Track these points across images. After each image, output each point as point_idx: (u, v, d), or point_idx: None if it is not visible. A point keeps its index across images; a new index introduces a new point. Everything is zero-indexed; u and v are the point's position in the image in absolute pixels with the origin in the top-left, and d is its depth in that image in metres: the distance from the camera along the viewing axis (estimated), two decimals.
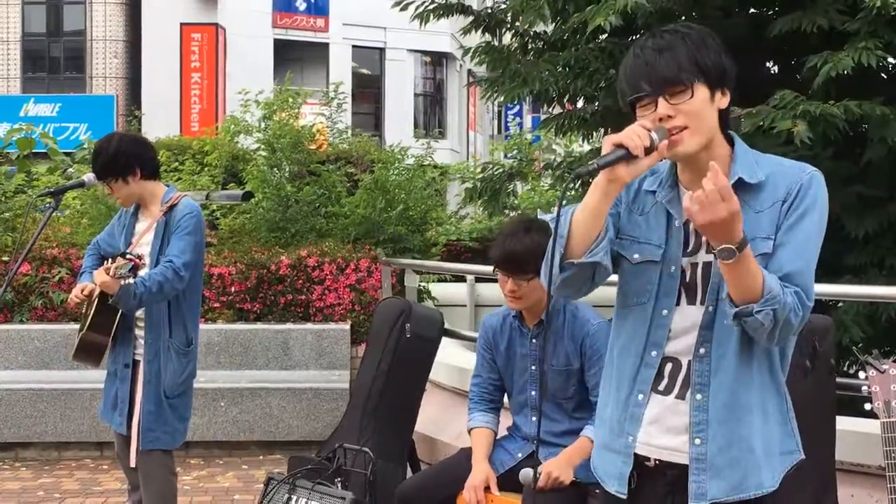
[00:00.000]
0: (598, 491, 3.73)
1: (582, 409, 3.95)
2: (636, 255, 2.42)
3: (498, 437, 4.19)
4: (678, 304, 2.38)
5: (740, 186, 2.29)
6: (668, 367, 2.40)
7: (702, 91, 2.29)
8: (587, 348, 3.89)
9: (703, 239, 2.32)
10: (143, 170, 4.43)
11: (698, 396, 2.33)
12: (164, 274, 4.21)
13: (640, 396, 2.41)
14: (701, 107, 2.29)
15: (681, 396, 2.37)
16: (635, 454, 2.42)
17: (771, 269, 2.25)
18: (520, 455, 4.04)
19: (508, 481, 3.93)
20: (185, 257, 4.29)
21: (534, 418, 4.03)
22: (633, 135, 2.22)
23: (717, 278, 2.30)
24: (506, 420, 4.27)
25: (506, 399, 4.26)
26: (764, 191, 2.31)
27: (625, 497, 2.42)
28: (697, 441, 2.33)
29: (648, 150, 2.25)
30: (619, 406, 2.45)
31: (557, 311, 3.97)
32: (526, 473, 3.82)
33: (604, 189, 2.27)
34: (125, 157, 4.37)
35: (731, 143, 2.40)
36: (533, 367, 4.00)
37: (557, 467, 3.78)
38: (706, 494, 2.32)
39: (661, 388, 2.40)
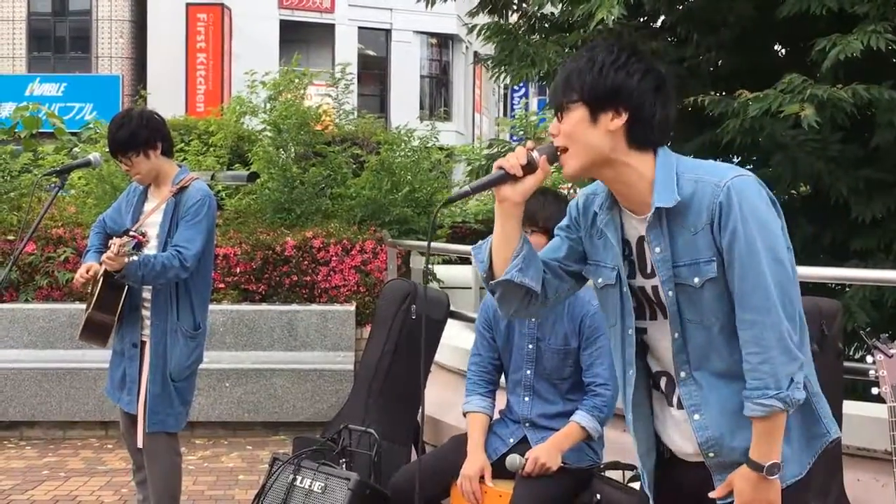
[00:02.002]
0: (603, 474, 3.75)
1: (576, 390, 3.94)
2: (600, 280, 2.47)
3: (492, 421, 4.17)
4: (654, 318, 2.40)
5: (666, 213, 2.29)
6: (664, 380, 2.44)
7: (577, 113, 2.32)
8: (586, 327, 3.90)
9: (637, 264, 2.38)
10: (164, 145, 4.42)
11: (696, 417, 2.35)
12: (171, 261, 4.18)
13: (630, 416, 2.48)
14: (575, 129, 2.32)
15: (681, 407, 2.41)
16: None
17: (738, 312, 2.26)
18: (511, 441, 4.02)
19: (502, 468, 3.92)
20: (194, 248, 4.25)
21: (527, 398, 4.02)
22: (512, 156, 2.33)
23: (674, 306, 2.32)
24: (501, 402, 4.25)
25: (502, 380, 4.25)
26: (690, 210, 2.28)
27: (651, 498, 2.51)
28: (711, 454, 2.36)
29: (530, 169, 2.33)
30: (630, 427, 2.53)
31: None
32: (512, 460, 3.82)
33: (500, 210, 2.39)
34: (147, 131, 4.35)
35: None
36: (530, 346, 4.00)
37: (545, 453, 3.78)
38: (734, 450, 2.34)
39: (667, 401, 2.45)
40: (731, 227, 2.23)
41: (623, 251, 2.41)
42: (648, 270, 2.37)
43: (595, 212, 2.46)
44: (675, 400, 2.41)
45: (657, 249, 2.31)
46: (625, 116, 2.29)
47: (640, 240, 2.37)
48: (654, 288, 2.37)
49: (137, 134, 4.31)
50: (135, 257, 4.07)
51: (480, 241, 2.50)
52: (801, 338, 2.29)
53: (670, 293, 2.31)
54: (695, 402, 2.34)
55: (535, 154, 2.34)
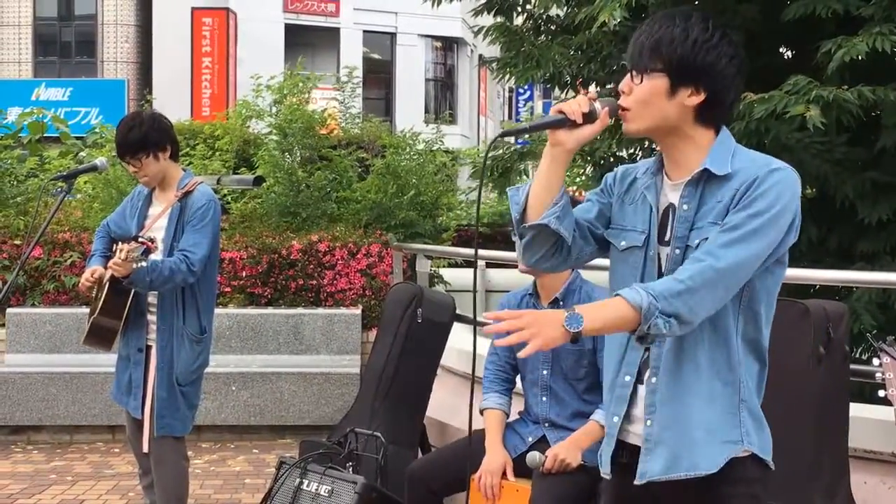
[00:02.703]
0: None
1: (592, 391, 3.95)
2: (623, 243, 2.46)
3: (510, 419, 4.19)
4: None
5: (708, 177, 2.31)
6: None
7: (657, 82, 2.31)
8: None
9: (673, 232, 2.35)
10: (172, 147, 4.43)
11: (653, 380, 2.36)
12: (178, 266, 4.18)
13: (627, 378, 2.43)
14: (649, 96, 2.33)
15: (640, 381, 2.42)
16: (627, 442, 2.44)
17: (699, 251, 2.25)
18: (530, 439, 4.05)
19: (520, 466, 3.94)
20: (201, 252, 4.26)
21: (544, 398, 4.04)
22: (574, 102, 2.33)
23: (671, 264, 2.33)
24: (518, 405, 4.27)
25: (519, 384, 4.27)
26: (730, 182, 2.30)
27: (609, 477, 2.47)
28: (649, 423, 2.36)
29: (590, 119, 2.33)
30: (609, 388, 2.49)
31: (573, 291, 4.01)
32: (532, 457, 3.83)
33: (550, 154, 2.38)
34: (158, 133, 4.35)
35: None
36: None
37: (565, 450, 3.79)
38: (646, 473, 2.35)
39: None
40: (752, 196, 2.24)
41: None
42: (667, 237, 2.39)
43: (634, 178, 2.49)
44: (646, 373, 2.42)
45: (685, 206, 2.34)
46: (703, 96, 2.31)
47: (668, 208, 2.40)
48: (668, 256, 2.39)
49: (148, 136, 4.32)
50: (143, 263, 4.07)
51: (518, 185, 2.48)
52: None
53: (677, 251, 2.33)
54: (656, 365, 2.35)
55: (597, 105, 2.34)
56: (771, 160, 2.33)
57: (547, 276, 3.99)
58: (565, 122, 2.33)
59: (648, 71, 2.32)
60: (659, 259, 2.40)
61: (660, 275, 2.37)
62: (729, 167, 2.30)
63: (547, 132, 2.39)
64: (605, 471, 2.48)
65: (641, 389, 2.41)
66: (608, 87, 7.76)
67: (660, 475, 2.33)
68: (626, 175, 2.52)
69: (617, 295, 2.20)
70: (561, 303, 4.00)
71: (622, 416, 2.42)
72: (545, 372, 4.03)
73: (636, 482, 2.35)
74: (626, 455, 2.44)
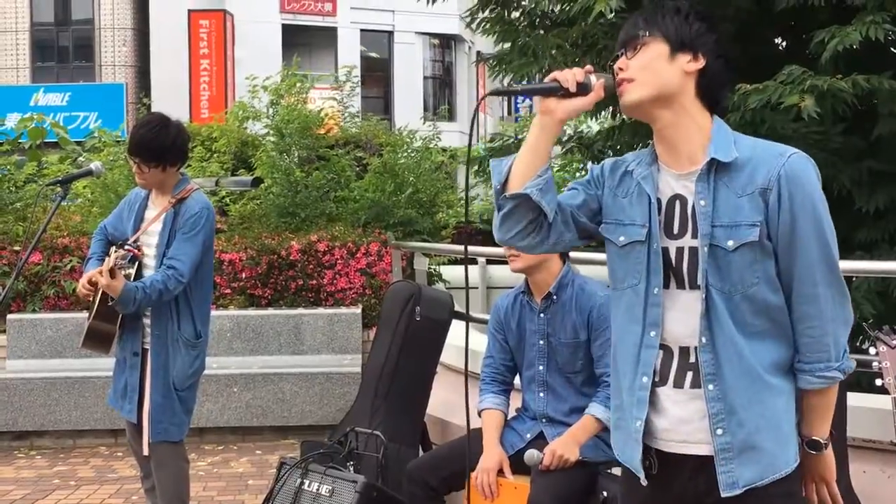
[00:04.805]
0: (608, 471, 3.75)
1: (589, 383, 3.95)
2: (622, 238, 2.40)
3: (508, 417, 4.19)
4: (667, 287, 2.35)
5: (718, 167, 2.28)
6: (661, 355, 2.37)
7: (656, 47, 2.31)
8: (594, 319, 3.91)
9: (690, 222, 2.31)
10: (183, 162, 4.43)
11: (710, 387, 2.28)
12: (166, 283, 4.17)
13: (644, 379, 2.36)
14: (650, 61, 2.31)
15: (679, 385, 2.34)
16: (656, 449, 2.37)
17: (799, 286, 2.27)
18: (528, 436, 4.04)
19: (519, 463, 3.93)
20: (188, 261, 4.23)
21: (541, 394, 4.03)
22: (569, 71, 2.31)
23: (706, 264, 2.28)
24: (516, 402, 4.27)
25: (517, 380, 4.27)
26: (742, 172, 2.27)
27: (644, 484, 2.38)
28: (720, 431, 2.28)
29: (583, 90, 2.31)
30: (626, 393, 2.42)
31: (566, 285, 4.00)
32: (531, 455, 3.83)
33: (539, 122, 2.35)
34: (177, 149, 4.33)
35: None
36: (541, 342, 4.02)
37: (563, 446, 3.78)
38: (738, 482, 2.27)
39: (657, 378, 2.36)
40: (800, 201, 2.23)
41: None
42: (675, 230, 2.34)
43: (626, 171, 2.44)
44: (671, 375, 2.35)
45: (702, 202, 2.28)
46: (702, 62, 2.31)
47: (673, 198, 2.35)
48: (679, 250, 2.33)
49: (169, 151, 4.28)
50: (131, 270, 4.07)
51: (503, 158, 2.42)
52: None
53: (705, 248, 2.27)
54: (712, 371, 2.28)
55: (592, 77, 2.32)
56: (775, 144, 2.32)
57: (539, 272, 3.98)
58: (558, 90, 2.31)
59: (646, 38, 2.31)
60: (666, 253, 2.34)
61: (667, 269, 2.33)
62: (735, 153, 2.28)
63: (537, 100, 2.36)
64: (640, 476, 2.38)
65: (664, 392, 2.35)
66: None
67: (755, 481, 2.27)
68: (616, 167, 2.47)
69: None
70: (554, 297, 3.99)
71: (644, 420, 2.36)
72: (541, 368, 4.03)
73: (726, 494, 2.27)
74: (654, 464, 2.38)
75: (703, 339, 2.29)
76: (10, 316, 7.57)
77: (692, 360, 2.32)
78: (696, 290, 2.30)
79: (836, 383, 2.30)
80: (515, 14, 8.39)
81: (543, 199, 2.34)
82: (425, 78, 33.16)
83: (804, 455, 2.35)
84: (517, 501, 3.78)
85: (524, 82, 7.19)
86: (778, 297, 2.28)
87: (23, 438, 7.34)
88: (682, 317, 2.32)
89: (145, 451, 4.37)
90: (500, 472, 3.93)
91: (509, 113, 38.09)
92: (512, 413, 4.22)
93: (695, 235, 2.30)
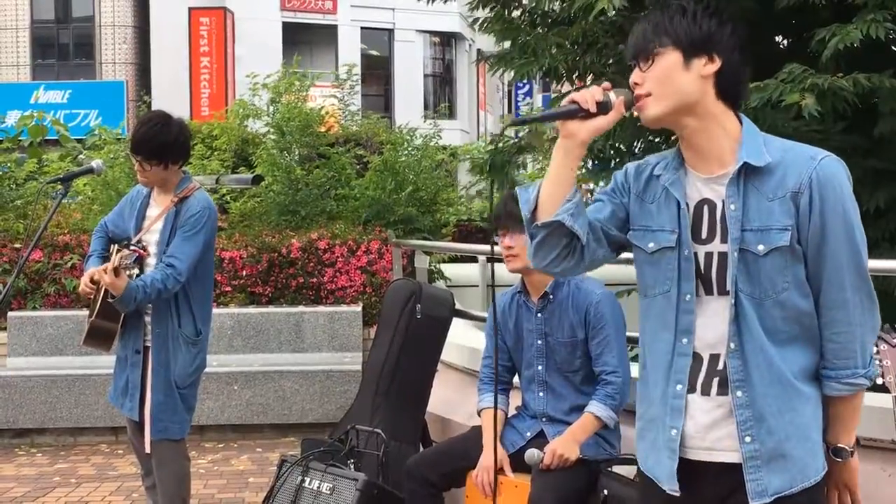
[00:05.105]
0: (609, 470, 3.75)
1: (588, 382, 3.95)
2: (651, 244, 2.36)
3: (508, 416, 4.20)
4: (696, 293, 2.31)
5: (748, 171, 2.24)
6: (690, 363, 2.34)
7: (669, 57, 2.25)
8: (591, 317, 3.91)
9: (719, 227, 2.28)
10: (185, 160, 4.43)
11: (739, 394, 2.26)
12: (165, 282, 4.16)
13: (679, 387, 2.33)
14: (666, 72, 2.25)
15: (706, 392, 2.31)
16: (680, 457, 2.33)
17: (829, 291, 2.25)
18: (529, 434, 4.04)
19: (519, 461, 3.94)
20: (187, 259, 4.22)
21: (541, 394, 4.03)
22: (587, 91, 2.26)
23: (736, 269, 2.25)
24: (516, 400, 4.27)
25: (516, 379, 4.27)
26: (773, 176, 2.24)
27: (678, 495, 2.32)
28: (748, 439, 2.26)
29: (603, 109, 2.26)
30: (659, 402, 2.38)
31: (562, 284, 4.00)
32: (531, 454, 3.83)
33: (563, 147, 2.30)
34: (179, 147, 4.33)
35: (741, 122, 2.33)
36: (539, 342, 4.02)
37: (563, 445, 3.79)
38: (767, 490, 2.25)
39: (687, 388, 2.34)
40: (831, 205, 2.20)
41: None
42: (704, 235, 2.30)
43: (651, 175, 2.39)
44: (699, 381, 2.31)
45: (732, 207, 2.25)
46: (718, 63, 2.25)
47: (701, 203, 2.31)
48: (708, 255, 2.30)
49: (171, 148, 4.28)
50: (135, 270, 4.07)
51: (527, 185, 2.39)
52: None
53: (735, 253, 2.24)
54: (741, 378, 2.25)
55: (611, 95, 2.27)
56: (805, 147, 2.29)
57: (535, 272, 3.95)
58: (577, 112, 2.26)
59: (658, 48, 2.26)
60: (696, 259, 2.30)
61: (699, 275, 2.30)
62: (767, 156, 2.25)
63: (558, 124, 2.31)
64: (672, 487, 2.32)
65: (692, 399, 2.32)
66: (603, 78, 7.75)
67: (784, 489, 2.25)
68: (641, 171, 2.42)
69: None
70: (551, 296, 3.99)
71: (681, 429, 2.32)
72: (540, 367, 4.03)
73: (755, 503, 2.24)
74: (685, 474, 2.32)
75: (732, 346, 2.26)
76: (10, 313, 7.58)
77: (720, 366, 2.30)
78: (725, 295, 2.27)
79: (863, 390, 2.28)
80: (516, 13, 8.39)
81: (576, 224, 2.31)
82: (426, 76, 33.17)
83: (829, 462, 2.33)
84: (518, 500, 3.78)
85: (525, 82, 7.19)
86: (808, 302, 2.26)
87: (23, 436, 7.35)
88: (711, 323, 2.30)
89: (147, 449, 4.37)
90: (501, 470, 3.93)
91: (509, 111, 38.13)
92: (512, 411, 4.22)
93: (724, 240, 2.28)
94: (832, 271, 2.24)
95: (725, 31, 2.28)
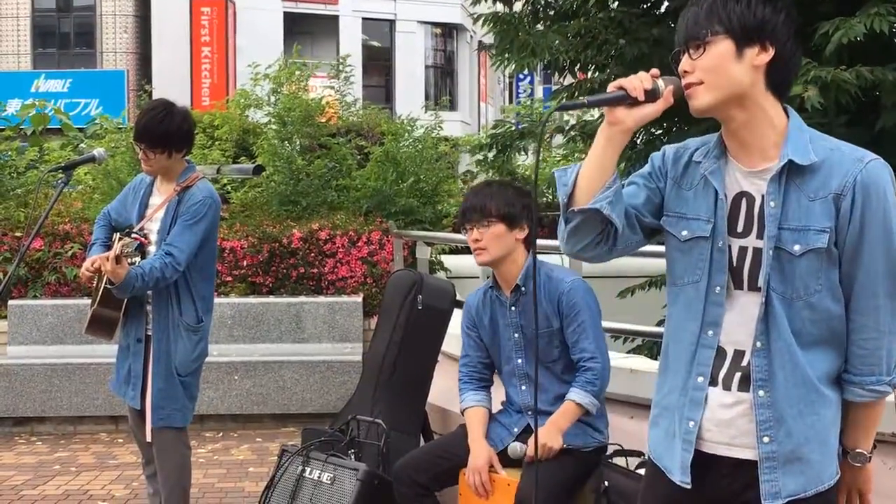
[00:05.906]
0: (610, 461, 3.74)
1: (569, 371, 3.92)
2: (684, 232, 2.31)
3: (494, 411, 4.16)
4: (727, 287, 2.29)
5: (792, 168, 2.19)
6: (713, 356, 2.31)
7: (721, 45, 2.18)
8: (563, 306, 3.87)
9: (756, 222, 2.24)
10: (189, 148, 4.42)
11: (761, 393, 2.23)
12: (163, 270, 4.14)
13: (700, 379, 2.30)
14: (717, 62, 2.18)
15: (727, 387, 2.28)
16: (695, 449, 2.30)
17: (863, 297, 2.21)
18: (516, 429, 3.99)
19: (508, 457, 3.90)
20: (186, 248, 4.20)
21: (524, 387, 3.99)
22: (636, 78, 2.19)
23: (770, 267, 2.21)
24: (499, 395, 4.23)
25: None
26: (817, 175, 2.18)
27: (689, 487, 2.29)
28: (766, 439, 2.23)
29: (652, 97, 2.20)
30: (678, 392, 2.34)
31: (531, 276, 3.93)
32: (514, 448, 3.81)
33: (606, 134, 2.23)
34: (183, 135, 4.31)
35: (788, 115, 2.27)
36: (516, 335, 3.98)
37: (545, 434, 3.75)
38: (781, 493, 2.23)
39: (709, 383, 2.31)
40: (872, 209, 2.15)
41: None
42: (739, 229, 2.26)
43: (690, 161, 2.34)
44: (720, 377, 2.29)
45: (772, 204, 2.20)
46: (771, 52, 2.18)
47: (739, 196, 2.26)
48: (742, 250, 2.25)
49: (174, 136, 4.26)
50: (137, 258, 4.06)
51: (565, 166, 2.31)
52: None
53: (770, 251, 2.19)
54: (764, 377, 2.22)
55: (660, 82, 2.20)
56: (853, 148, 2.23)
57: (505, 264, 3.93)
58: (625, 99, 2.19)
59: (709, 36, 2.18)
60: (730, 251, 2.26)
61: (731, 267, 2.26)
62: (813, 155, 2.18)
63: (605, 110, 2.25)
64: (683, 479, 2.30)
65: (712, 393, 2.29)
66: (606, 71, 7.75)
67: (798, 493, 2.23)
68: (679, 156, 2.37)
69: None
70: (522, 288, 3.93)
71: (699, 421, 2.29)
72: (520, 360, 3.99)
73: (768, 503, 2.22)
74: (696, 466, 2.29)
75: (759, 344, 2.23)
76: (11, 302, 7.58)
77: (744, 363, 2.26)
78: (756, 292, 2.23)
79: (886, 397, 2.25)
80: (518, 6, 8.39)
81: (614, 212, 2.24)
82: (427, 67, 33.15)
83: (844, 466, 2.32)
84: (511, 498, 3.74)
85: (526, 74, 7.18)
86: (839, 306, 2.22)
87: (23, 424, 7.35)
88: (738, 318, 2.26)
89: (148, 438, 4.37)
90: (491, 467, 3.90)
91: (511, 102, 38.10)
92: (497, 407, 4.19)
93: (759, 236, 2.23)
94: (866, 277, 2.19)
95: (780, 17, 2.20)
